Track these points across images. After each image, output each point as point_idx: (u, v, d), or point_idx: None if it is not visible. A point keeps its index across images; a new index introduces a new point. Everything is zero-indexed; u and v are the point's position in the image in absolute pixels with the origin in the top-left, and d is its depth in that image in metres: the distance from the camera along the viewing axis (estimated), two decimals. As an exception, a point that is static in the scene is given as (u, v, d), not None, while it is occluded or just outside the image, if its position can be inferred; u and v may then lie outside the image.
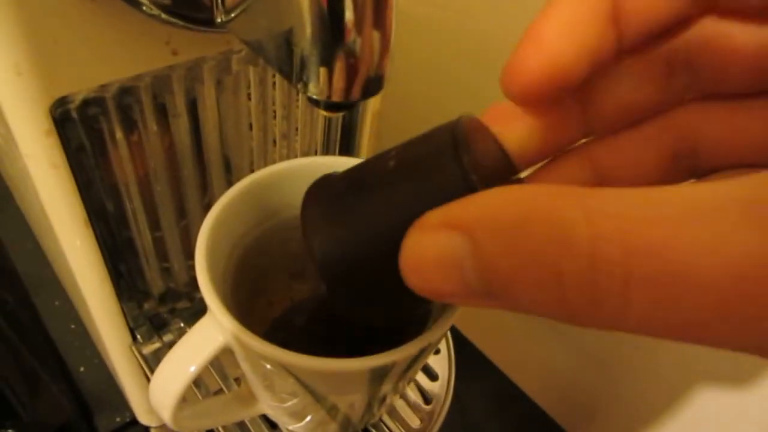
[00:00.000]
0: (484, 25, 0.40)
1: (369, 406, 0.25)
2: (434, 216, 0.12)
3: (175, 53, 0.21)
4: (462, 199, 0.12)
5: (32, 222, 0.42)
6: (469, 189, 0.14)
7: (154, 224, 0.28)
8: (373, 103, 0.35)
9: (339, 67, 0.17)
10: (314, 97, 0.17)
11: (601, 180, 0.17)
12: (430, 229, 0.12)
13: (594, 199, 0.10)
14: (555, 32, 0.14)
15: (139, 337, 0.31)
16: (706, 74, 0.15)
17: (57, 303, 0.46)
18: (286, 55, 0.17)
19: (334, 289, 0.16)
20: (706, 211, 0.09)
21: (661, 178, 0.17)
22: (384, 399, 0.26)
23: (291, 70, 0.17)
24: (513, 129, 0.16)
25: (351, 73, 0.17)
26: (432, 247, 0.12)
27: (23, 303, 0.46)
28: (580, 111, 0.17)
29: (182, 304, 0.33)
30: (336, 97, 0.17)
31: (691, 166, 0.16)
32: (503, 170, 0.16)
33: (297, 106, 0.30)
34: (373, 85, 0.17)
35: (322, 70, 0.17)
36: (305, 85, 0.17)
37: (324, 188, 0.18)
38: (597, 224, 0.10)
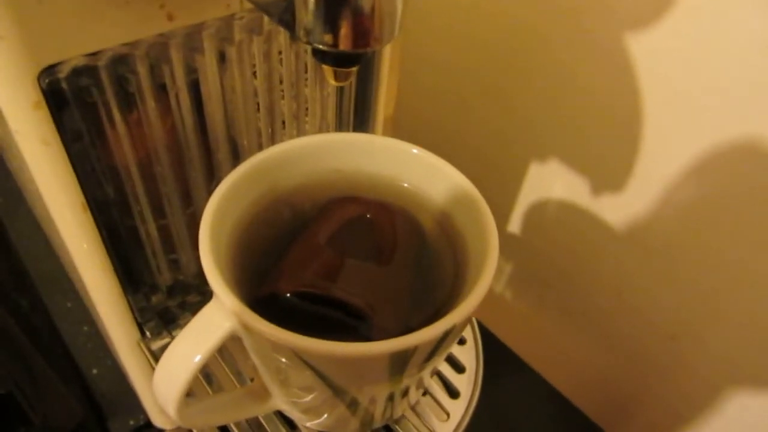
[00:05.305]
0: (499, 26, 0.39)
1: (391, 400, 0.23)
2: None
3: (170, 18, 0.20)
4: None
5: (41, 219, 0.41)
6: None
7: (159, 211, 0.27)
8: (384, 107, 0.33)
9: (347, 11, 0.15)
10: (320, 47, 0.16)
11: None
12: None
13: None
14: None
15: (147, 332, 0.29)
16: None
17: (69, 305, 0.45)
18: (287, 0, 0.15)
19: None
20: None
21: None
22: (406, 392, 0.24)
23: (293, 17, 0.16)
24: None
25: (360, 17, 0.15)
26: None
27: (36, 305, 0.45)
28: None
29: (192, 298, 0.31)
30: (344, 46, 0.15)
31: None
32: None
33: (306, 85, 0.29)
34: (385, 32, 0.16)
35: (329, 15, 0.15)
36: (309, 34, 0.15)
37: None
38: None
